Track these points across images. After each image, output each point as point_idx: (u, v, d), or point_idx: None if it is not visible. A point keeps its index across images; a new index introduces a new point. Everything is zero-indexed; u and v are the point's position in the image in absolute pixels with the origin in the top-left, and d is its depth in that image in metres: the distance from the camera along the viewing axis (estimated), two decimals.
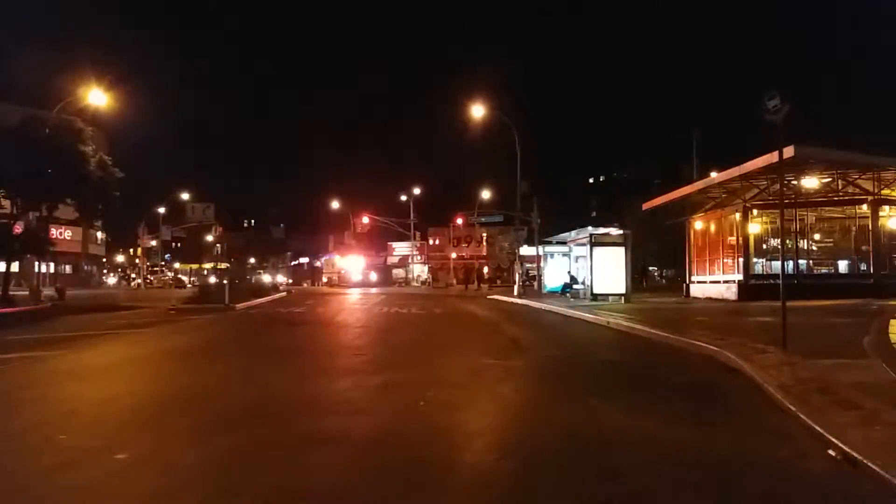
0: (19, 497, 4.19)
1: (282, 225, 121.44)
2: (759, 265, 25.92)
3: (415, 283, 66.32)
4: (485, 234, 76.62)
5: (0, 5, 52.01)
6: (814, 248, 26.54)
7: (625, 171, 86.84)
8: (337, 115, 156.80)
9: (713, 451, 5.29)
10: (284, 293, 38.24)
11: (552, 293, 32.84)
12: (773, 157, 11.01)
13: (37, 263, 35.05)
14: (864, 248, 24.46)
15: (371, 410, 6.65)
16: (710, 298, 25.73)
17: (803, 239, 25.56)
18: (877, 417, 5.91)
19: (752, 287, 23.28)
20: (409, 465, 4.78)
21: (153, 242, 68.67)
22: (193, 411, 6.62)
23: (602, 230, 27.19)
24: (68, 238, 61.42)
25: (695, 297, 27.61)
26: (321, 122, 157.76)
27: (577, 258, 30.77)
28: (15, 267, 29.53)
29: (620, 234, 26.25)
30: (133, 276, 76.20)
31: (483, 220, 63.31)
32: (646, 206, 31.26)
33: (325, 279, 73.57)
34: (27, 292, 25.29)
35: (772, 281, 22.63)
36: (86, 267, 70.68)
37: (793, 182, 23.27)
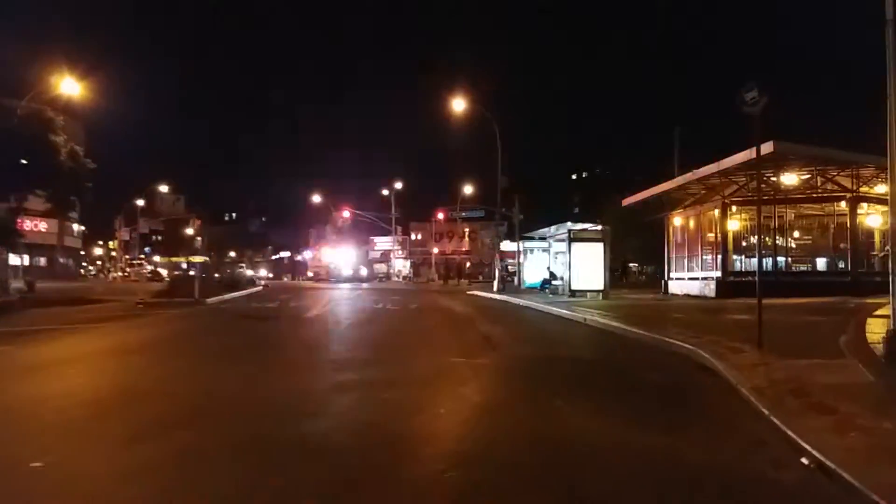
0: None
1: (264, 218, 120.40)
2: (739, 262, 25.82)
3: (395, 279, 65.54)
4: (467, 230, 76.45)
5: None
6: (792, 245, 26.50)
7: (608, 167, 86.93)
8: (319, 108, 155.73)
9: (681, 459, 4.97)
10: (260, 287, 37.61)
11: (532, 289, 32.62)
12: (752, 153, 10.79)
13: (10, 256, 34.12)
14: (842, 245, 24.43)
15: (320, 414, 6.25)
16: (689, 295, 25.59)
17: (782, 236, 25.49)
18: (852, 422, 5.62)
19: (730, 284, 23.15)
20: (343, 478, 4.39)
21: (128, 236, 67.74)
22: (128, 414, 6.19)
23: (581, 226, 26.97)
24: (43, 230, 60.14)
25: (673, 294, 27.48)
26: (302, 115, 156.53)
27: (556, 254, 30.55)
28: None
29: (599, 230, 26.04)
30: (110, 269, 75.02)
31: (464, 214, 63.13)
32: (625, 201, 31.09)
33: (310, 273, 71.34)
34: None
35: (750, 278, 22.50)
36: (61, 260, 69.39)
37: (772, 178, 23.14)
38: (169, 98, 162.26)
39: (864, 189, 23.50)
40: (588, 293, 24.76)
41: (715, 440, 5.58)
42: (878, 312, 14.43)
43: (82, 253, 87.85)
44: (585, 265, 24.88)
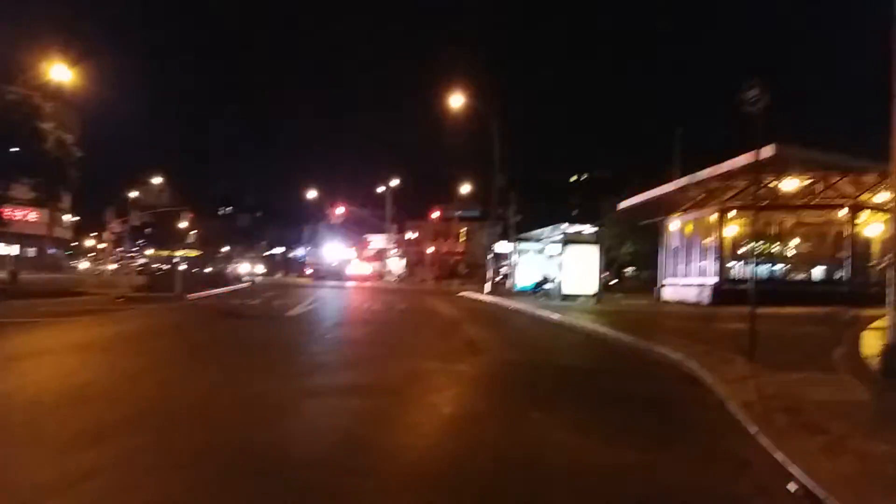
0: None
1: (259, 213, 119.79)
2: (735, 269, 25.36)
3: (388, 278, 64.64)
4: (464, 230, 75.99)
5: None
6: (790, 253, 26.05)
7: (607, 169, 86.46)
8: (316, 105, 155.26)
9: (660, 481, 4.59)
10: (248, 283, 37.04)
11: (524, 292, 32.14)
12: (751, 157, 10.40)
13: None
14: (841, 254, 23.99)
15: (276, 423, 5.81)
16: (683, 302, 25.15)
17: (780, 243, 25.04)
18: (844, 445, 5.21)
19: (725, 291, 22.69)
20: (286, 497, 3.97)
21: (119, 228, 66.93)
22: (72, 417, 5.76)
23: (576, 228, 26.53)
24: (32, 220, 59.49)
25: (667, 300, 27.03)
26: (299, 110, 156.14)
27: (550, 256, 30.11)
28: None
29: (593, 233, 25.65)
30: (99, 261, 74.32)
31: (460, 213, 62.55)
32: (622, 204, 30.59)
33: (308, 270, 68.94)
34: None
35: (746, 286, 22.03)
36: (51, 250, 68.70)
37: (772, 184, 22.69)
38: (167, 90, 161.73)
39: (864, 197, 23.06)
40: (580, 297, 24.33)
41: (698, 460, 5.21)
42: (875, 325, 14.01)
43: (75, 244, 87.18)
44: (579, 268, 24.47)
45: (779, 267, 24.82)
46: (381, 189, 66.23)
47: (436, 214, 62.81)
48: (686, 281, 26.51)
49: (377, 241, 73.44)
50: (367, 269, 65.06)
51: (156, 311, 17.76)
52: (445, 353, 10.27)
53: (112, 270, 58.00)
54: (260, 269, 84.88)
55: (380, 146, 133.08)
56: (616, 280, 52.25)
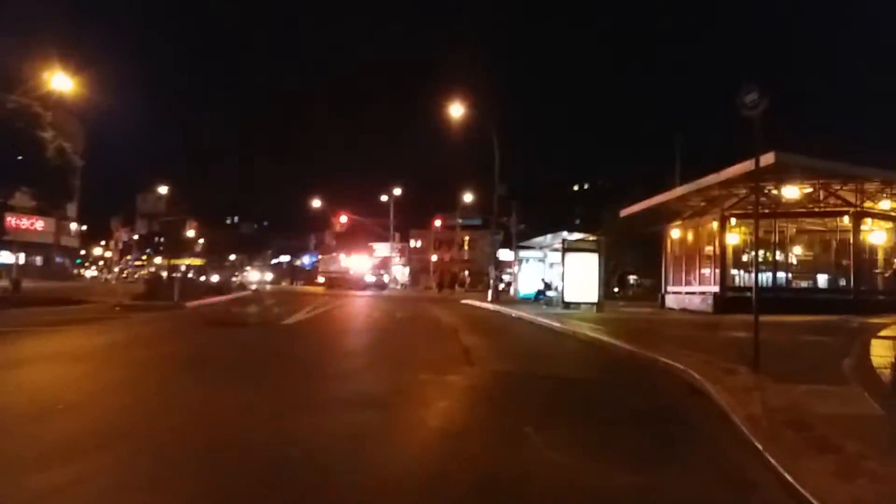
0: None
1: (266, 223, 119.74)
2: (738, 277, 25.03)
3: (392, 286, 64.02)
4: (467, 238, 75.77)
5: None
6: (793, 260, 25.71)
7: (609, 178, 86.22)
8: (321, 113, 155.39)
9: None
10: (251, 291, 36.76)
11: (526, 299, 31.90)
12: (752, 164, 10.16)
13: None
14: (844, 262, 23.65)
15: (246, 442, 5.45)
16: (686, 310, 24.82)
17: (782, 251, 24.72)
18: (859, 465, 4.88)
19: (728, 300, 22.37)
20: None
21: (134, 235, 67.11)
22: (39, 433, 5.47)
23: (576, 235, 26.25)
24: (39, 229, 59.49)
25: (669, 308, 26.71)
26: (306, 118, 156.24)
27: (551, 264, 29.88)
28: None
29: (594, 241, 25.32)
30: (103, 269, 74.36)
31: (462, 222, 62.31)
32: (623, 212, 30.35)
33: (321, 279, 66.14)
34: None
35: (749, 294, 21.68)
36: (58, 259, 68.70)
37: (773, 191, 22.42)
38: (173, 100, 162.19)
39: (868, 204, 22.74)
40: (582, 305, 24.03)
41: (701, 481, 4.88)
42: (883, 333, 13.73)
43: (83, 253, 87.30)
44: (580, 276, 24.16)
45: (782, 275, 24.47)
46: (384, 198, 66.10)
47: (438, 223, 62.48)
48: (689, 289, 26.19)
49: (381, 249, 73.20)
50: (384, 277, 63.29)
51: (150, 319, 17.48)
52: (439, 364, 9.96)
53: (118, 279, 57.83)
54: (268, 277, 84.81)
55: (383, 155, 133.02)
56: (619, 288, 51.91)
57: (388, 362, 10.35)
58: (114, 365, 9.52)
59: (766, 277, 23.44)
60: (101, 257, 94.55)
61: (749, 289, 23.33)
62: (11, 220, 41.15)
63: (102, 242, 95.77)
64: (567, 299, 24.30)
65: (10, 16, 29.95)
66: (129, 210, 65.32)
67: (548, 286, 29.08)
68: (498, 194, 34.35)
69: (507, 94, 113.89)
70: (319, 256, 75.45)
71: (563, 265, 24.56)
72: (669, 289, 28.43)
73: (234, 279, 49.93)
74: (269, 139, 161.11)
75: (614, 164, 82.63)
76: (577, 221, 70.30)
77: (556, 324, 17.59)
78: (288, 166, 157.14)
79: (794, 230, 25.46)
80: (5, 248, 41.59)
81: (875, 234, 23.76)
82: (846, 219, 22.99)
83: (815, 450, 5.27)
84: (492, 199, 35.76)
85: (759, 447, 5.44)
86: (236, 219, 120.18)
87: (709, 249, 25.17)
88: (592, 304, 23.93)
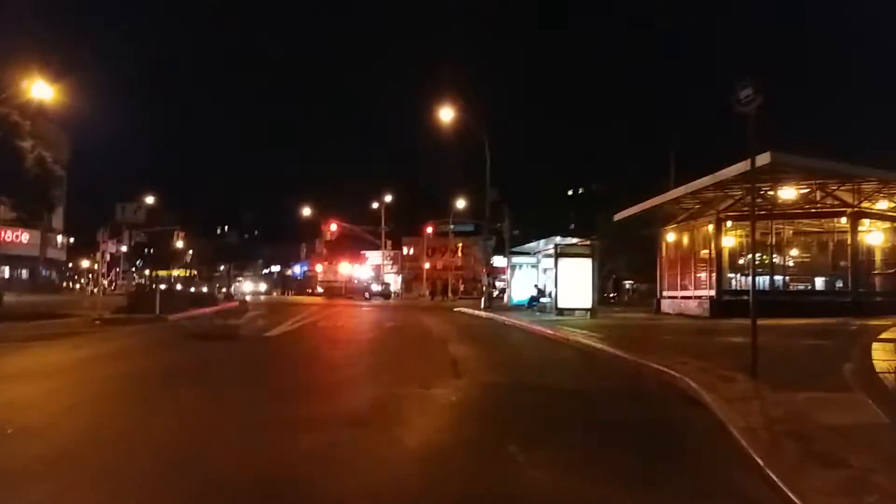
0: None
1: (255, 232, 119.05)
2: (734, 280, 24.68)
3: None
4: (460, 245, 75.37)
5: None
6: (790, 263, 25.38)
7: (604, 182, 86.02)
8: (311, 120, 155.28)
9: None
10: (236, 302, 36.08)
11: (520, 306, 31.48)
12: (747, 164, 9.81)
13: None
14: (842, 263, 23.32)
15: (210, 462, 5.03)
16: (682, 314, 24.46)
17: (779, 253, 24.38)
18: (867, 481, 4.48)
19: (725, 303, 22.00)
20: None
21: (122, 248, 66.51)
22: None
23: (569, 240, 25.88)
24: (24, 242, 58.84)
25: (665, 313, 26.34)
26: (294, 125, 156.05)
27: (545, 270, 29.47)
28: None
29: (587, 245, 24.96)
30: (89, 282, 73.54)
31: (453, 228, 61.82)
32: (617, 216, 30.00)
33: (320, 289, 63.60)
34: None
35: (746, 297, 21.31)
36: (44, 272, 67.93)
37: (769, 192, 22.10)
38: (159, 110, 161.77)
39: (865, 205, 22.43)
40: (576, 311, 23.63)
41: (694, 500, 4.49)
42: (884, 336, 13.37)
43: (70, 265, 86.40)
44: (573, 282, 23.78)
45: (779, 277, 24.13)
46: (375, 205, 65.71)
47: (429, 230, 62.00)
48: (685, 293, 25.83)
49: (373, 257, 72.74)
50: (389, 286, 61.45)
51: (129, 333, 16.96)
52: (424, 376, 9.52)
53: (105, 291, 57.11)
54: (262, 287, 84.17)
55: (375, 162, 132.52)
56: (615, 293, 51.53)
57: (370, 375, 9.88)
58: (79, 383, 9.03)
59: (762, 280, 23.11)
60: (90, 270, 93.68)
61: (746, 292, 23.03)
62: None
63: (92, 254, 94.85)
64: (560, 305, 23.90)
65: None
66: (116, 221, 64.64)
67: (541, 292, 28.68)
68: (490, 199, 34.02)
69: (500, 99, 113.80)
70: (318, 266, 73.55)
71: (556, 271, 24.16)
72: (665, 293, 28.07)
73: (221, 290, 49.21)
74: (258, 147, 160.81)
75: (609, 168, 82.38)
76: (572, 226, 70.04)
77: (548, 331, 17.20)
78: (278, 175, 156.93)
79: (791, 232, 25.16)
80: None
81: (873, 235, 23.46)
82: (843, 219, 22.69)
83: (819, 464, 4.88)
84: (484, 205, 35.44)
85: (760, 462, 5.05)
86: (226, 228, 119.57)
87: (704, 253, 24.82)
88: (586, 310, 23.54)
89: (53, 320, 20.37)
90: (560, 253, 24.28)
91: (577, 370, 11.27)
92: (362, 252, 73.44)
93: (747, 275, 23.94)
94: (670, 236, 28.05)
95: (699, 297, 24.09)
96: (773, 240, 23.66)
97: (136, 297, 24.28)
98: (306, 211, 69.35)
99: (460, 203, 59.13)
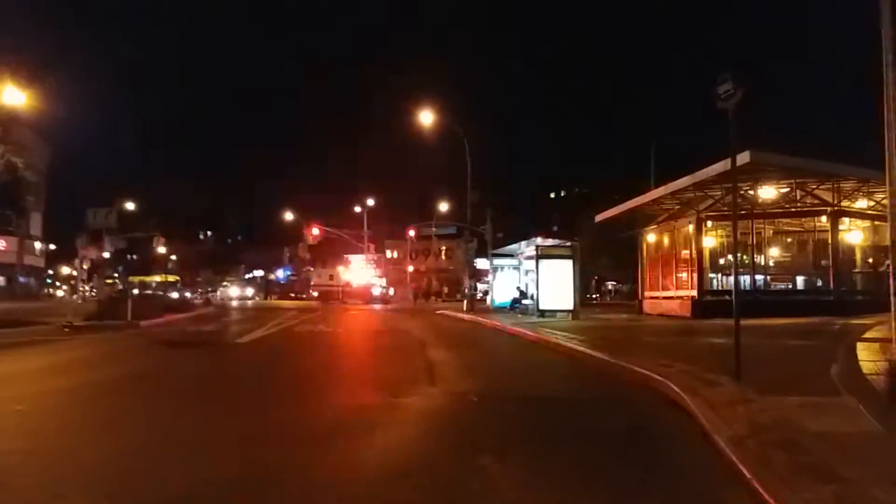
0: None
1: (238, 237, 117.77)
2: (715, 280, 24.54)
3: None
4: (444, 247, 75.00)
5: None
6: (771, 262, 25.30)
7: (586, 185, 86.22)
8: (291, 124, 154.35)
9: None
10: (213, 308, 35.29)
11: (502, 308, 31.16)
12: (728, 163, 9.60)
13: None
14: (823, 262, 23.24)
15: (142, 485, 4.59)
16: (663, 315, 24.27)
17: (760, 253, 24.27)
18: (865, 496, 4.14)
19: (706, 304, 21.82)
20: None
21: (105, 254, 65.24)
22: None
23: (550, 242, 25.59)
24: (1, 248, 57.59)
25: (647, 314, 26.16)
26: (275, 129, 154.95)
27: (526, 271, 29.22)
28: None
29: (568, 247, 24.67)
30: (65, 289, 72.16)
31: (436, 231, 61.35)
32: (598, 217, 29.85)
33: (314, 293, 60.88)
34: None
35: (727, 297, 21.18)
36: (22, 279, 66.49)
37: (749, 192, 21.96)
38: (141, 115, 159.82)
39: (845, 203, 22.38)
40: (558, 313, 23.32)
41: None
42: (868, 335, 13.17)
43: (51, 272, 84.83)
44: (555, 283, 23.47)
45: (760, 277, 24.01)
46: (358, 209, 65.02)
47: (412, 233, 61.40)
48: (666, 294, 25.67)
49: (356, 261, 71.98)
50: (389, 290, 59.54)
51: (95, 341, 16.34)
52: (398, 384, 9.10)
53: (85, 298, 55.90)
54: (249, 292, 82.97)
55: (355, 166, 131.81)
56: (597, 294, 51.46)
57: (337, 383, 9.39)
58: (25, 396, 8.42)
59: (744, 280, 22.99)
60: (71, 276, 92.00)
61: (727, 292, 22.89)
62: None
63: (69, 261, 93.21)
64: (542, 307, 23.59)
65: None
66: (92, 227, 63.18)
67: (523, 294, 28.37)
68: (470, 201, 33.67)
69: (483, 103, 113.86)
70: (311, 269, 71.43)
71: (537, 272, 23.85)
72: (647, 294, 27.91)
73: (198, 295, 48.32)
74: (238, 151, 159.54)
75: (592, 171, 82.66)
76: (555, 228, 70.08)
77: (529, 333, 16.87)
78: (260, 179, 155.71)
79: (772, 231, 25.09)
80: None
81: (853, 234, 23.42)
82: (824, 219, 22.62)
83: (811, 478, 4.53)
84: (465, 208, 35.08)
85: (747, 474, 4.70)
86: (208, 233, 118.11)
87: (685, 253, 24.67)
88: (568, 311, 23.25)
89: (21, 328, 19.65)
90: (541, 254, 23.97)
91: (555, 375, 10.91)
92: (345, 256, 72.71)
93: (728, 274, 23.81)
94: (651, 237, 27.90)
95: (681, 298, 23.92)
96: (754, 239, 23.54)
97: (107, 304, 23.54)
98: (288, 215, 68.51)
99: (444, 206, 58.76)
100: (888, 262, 8.47)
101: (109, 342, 16.26)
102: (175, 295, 46.80)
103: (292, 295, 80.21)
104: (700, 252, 23.23)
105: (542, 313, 23.41)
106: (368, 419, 6.75)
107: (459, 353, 13.70)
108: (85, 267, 62.22)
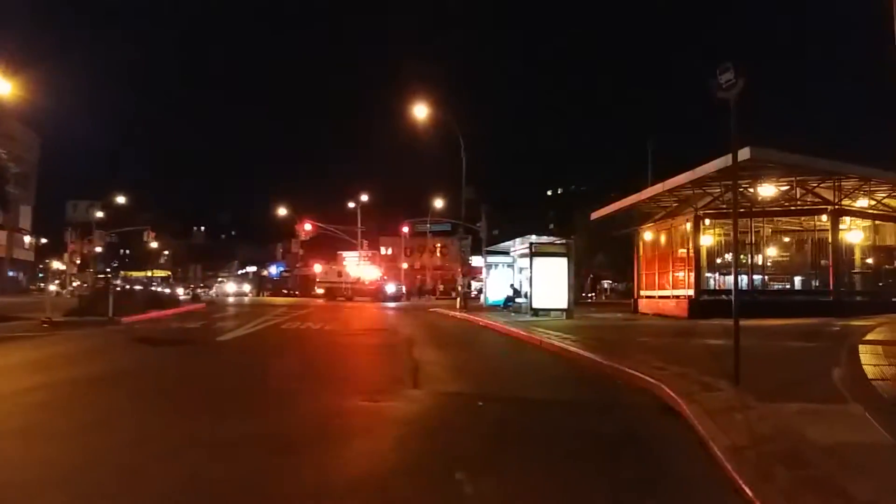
0: None
1: (232, 233, 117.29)
2: (712, 280, 24.14)
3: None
4: (439, 245, 74.61)
5: None
6: (770, 262, 24.90)
7: (583, 183, 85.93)
8: (287, 121, 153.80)
9: None
10: (202, 304, 34.70)
11: (495, 306, 30.75)
12: (728, 159, 9.22)
13: None
14: (822, 262, 22.84)
15: (99, 498, 4.18)
16: (659, 314, 23.87)
17: (759, 252, 23.86)
18: None
19: (703, 303, 21.42)
20: None
21: (97, 248, 64.69)
22: None
23: (545, 239, 25.16)
24: None
25: (643, 313, 25.76)
26: (269, 126, 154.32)
27: (520, 269, 28.80)
28: None
29: (563, 244, 24.21)
30: (57, 283, 71.45)
31: (430, 228, 60.92)
32: (594, 215, 29.43)
33: (319, 290, 58.12)
34: None
35: (725, 297, 20.82)
36: (10, 273, 65.80)
37: (749, 190, 21.54)
38: (136, 109, 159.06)
39: (846, 202, 21.96)
40: (552, 312, 22.90)
41: None
42: (869, 337, 12.77)
43: (41, 266, 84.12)
44: (549, 281, 23.03)
45: (758, 276, 23.62)
46: (352, 205, 64.49)
47: (405, 229, 60.89)
48: (663, 293, 25.27)
49: (352, 257, 71.40)
50: (402, 288, 58.03)
51: (74, 337, 15.83)
52: (380, 386, 8.67)
53: (74, 293, 55.21)
54: (246, 288, 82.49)
55: (350, 162, 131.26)
56: (592, 293, 51.10)
57: (316, 386, 8.90)
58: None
59: (742, 279, 22.59)
60: (61, 271, 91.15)
61: (724, 292, 22.49)
62: None
63: (66, 255, 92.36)
64: (536, 306, 23.16)
65: None
66: (77, 221, 62.54)
67: (517, 292, 27.96)
68: (465, 198, 33.27)
69: (483, 103, 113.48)
70: (317, 265, 69.71)
71: (531, 270, 23.42)
72: (643, 293, 27.52)
73: (190, 291, 47.73)
74: (233, 147, 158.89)
75: (592, 171, 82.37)
76: (552, 226, 69.69)
77: (521, 333, 16.46)
78: (253, 175, 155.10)
79: (771, 230, 24.69)
80: None
81: (853, 233, 23.01)
82: (824, 217, 22.21)
83: (817, 495, 4.14)
84: (460, 205, 34.70)
85: (747, 490, 4.31)
86: (201, 228, 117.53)
87: (682, 252, 24.24)
88: (562, 310, 22.83)
89: (3, 323, 19.19)
90: (535, 252, 23.53)
91: (546, 377, 10.50)
92: (339, 252, 72.18)
93: (726, 274, 23.41)
94: (648, 235, 27.49)
95: (677, 297, 23.52)
96: (753, 238, 23.12)
97: (89, 299, 23.03)
98: (281, 211, 67.99)
99: (439, 203, 58.33)
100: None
101: (89, 339, 15.74)
102: (167, 290, 46.21)
103: (285, 291, 79.66)
104: (697, 251, 22.81)
105: (536, 312, 22.99)
106: (343, 426, 6.34)
107: (448, 353, 13.28)
108: (77, 262, 61.70)
